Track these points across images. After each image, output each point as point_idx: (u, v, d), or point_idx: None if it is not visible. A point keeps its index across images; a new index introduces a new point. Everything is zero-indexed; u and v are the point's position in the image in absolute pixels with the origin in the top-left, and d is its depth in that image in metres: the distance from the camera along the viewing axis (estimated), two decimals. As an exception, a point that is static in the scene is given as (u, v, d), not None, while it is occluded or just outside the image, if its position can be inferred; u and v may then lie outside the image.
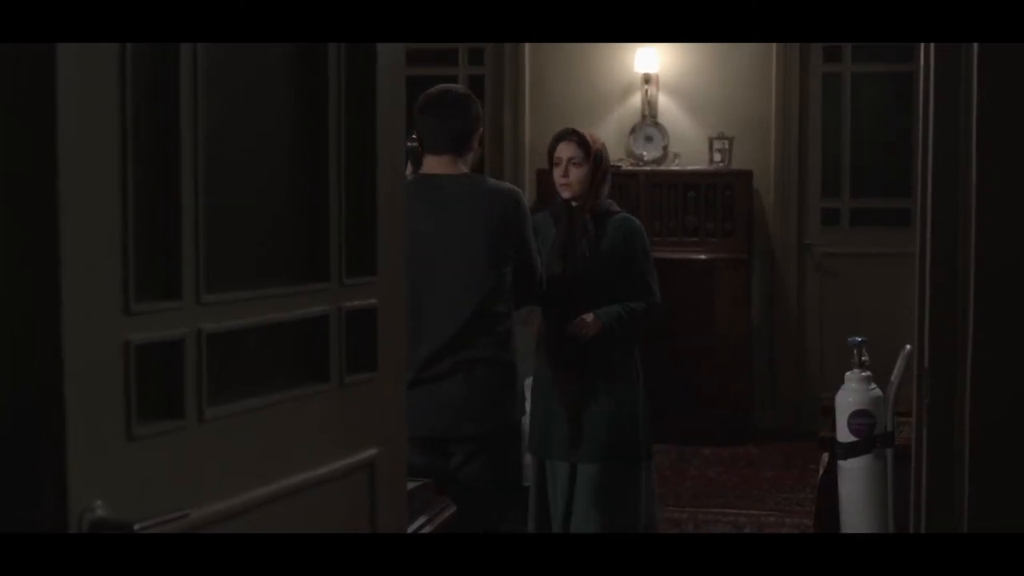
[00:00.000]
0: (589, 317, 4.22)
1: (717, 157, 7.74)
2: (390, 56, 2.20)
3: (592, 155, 4.32)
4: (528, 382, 4.28)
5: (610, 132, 7.91)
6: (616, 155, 7.82)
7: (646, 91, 7.84)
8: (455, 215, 3.73)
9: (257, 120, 2.01)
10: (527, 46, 7.92)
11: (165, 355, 1.73)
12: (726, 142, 7.75)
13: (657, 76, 7.83)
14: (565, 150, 4.33)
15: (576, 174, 4.30)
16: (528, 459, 4.45)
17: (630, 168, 7.68)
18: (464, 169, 3.81)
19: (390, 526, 2.24)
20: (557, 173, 4.33)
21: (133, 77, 1.64)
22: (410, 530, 2.78)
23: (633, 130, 7.87)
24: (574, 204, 4.33)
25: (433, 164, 3.80)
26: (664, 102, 7.88)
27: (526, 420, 4.16)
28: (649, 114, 7.83)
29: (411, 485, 2.84)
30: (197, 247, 1.77)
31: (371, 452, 2.18)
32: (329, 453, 2.08)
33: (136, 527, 1.59)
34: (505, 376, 3.78)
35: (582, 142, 4.33)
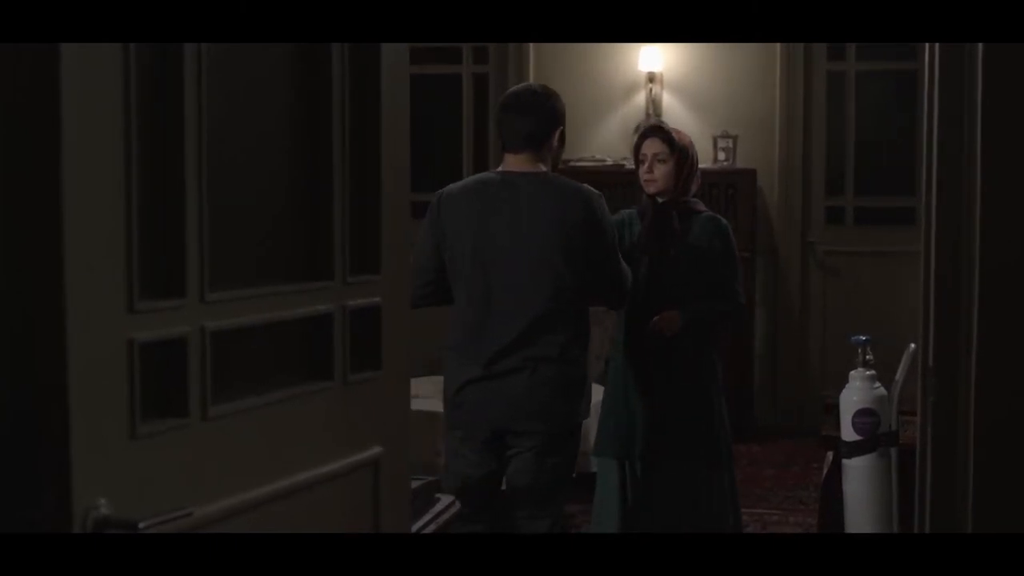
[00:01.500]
0: (673, 313, 4.17)
1: (721, 155, 7.73)
2: (394, 55, 2.20)
3: (677, 151, 4.27)
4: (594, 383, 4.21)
5: (614, 130, 7.91)
6: (620, 154, 7.82)
7: (650, 89, 7.83)
8: (526, 214, 3.73)
9: (261, 119, 2.01)
10: (531, 44, 7.91)
11: (169, 353, 1.73)
12: (730, 140, 7.74)
13: (661, 75, 7.82)
14: (650, 147, 4.29)
15: (661, 170, 4.26)
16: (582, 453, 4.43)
17: (634, 166, 7.67)
18: (541, 167, 3.80)
19: (394, 525, 2.24)
20: (642, 170, 4.30)
21: (136, 77, 1.64)
22: (413, 529, 2.78)
23: (637, 128, 7.86)
24: (660, 200, 4.29)
25: (511, 162, 3.82)
26: (668, 100, 7.87)
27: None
28: (653, 112, 7.82)
29: (415, 484, 2.84)
30: (201, 245, 1.77)
31: (375, 451, 2.18)
32: (333, 452, 2.08)
33: (140, 525, 1.60)
34: (572, 376, 3.77)
35: (667, 138, 4.28)
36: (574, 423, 3.82)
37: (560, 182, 3.82)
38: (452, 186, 3.85)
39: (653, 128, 4.38)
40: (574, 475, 4.16)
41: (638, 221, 4.31)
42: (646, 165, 4.28)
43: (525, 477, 3.77)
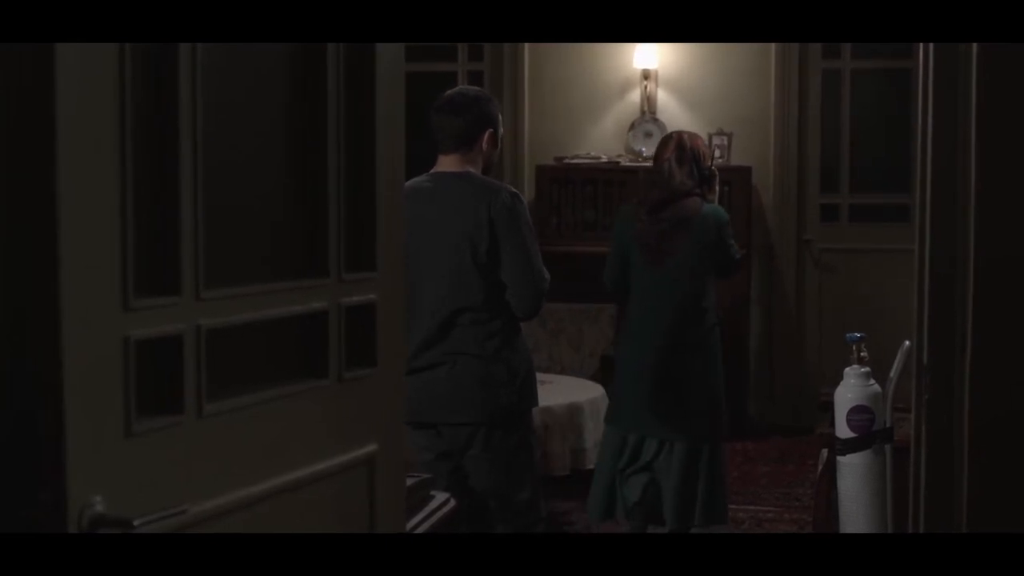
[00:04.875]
0: None
1: (716, 153, 7.73)
2: (389, 53, 2.20)
3: None
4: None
5: (609, 128, 7.91)
6: (615, 151, 7.82)
7: (645, 87, 7.83)
8: (443, 213, 3.82)
9: (257, 117, 2.01)
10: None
11: (164, 351, 1.73)
12: (725, 138, 7.75)
13: (656, 72, 7.82)
14: None
15: None
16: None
17: (629, 164, 7.69)
18: (469, 168, 3.88)
19: (389, 522, 2.24)
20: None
21: (131, 75, 1.64)
22: (409, 526, 2.78)
23: (632, 126, 7.86)
24: None
25: (441, 163, 3.93)
26: (663, 98, 7.87)
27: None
28: (648, 110, 7.82)
29: (410, 481, 2.84)
30: (196, 243, 1.77)
31: (370, 448, 2.18)
32: (328, 449, 2.08)
33: (135, 523, 1.60)
34: (494, 369, 3.81)
35: None
36: (507, 414, 3.84)
37: (479, 181, 3.88)
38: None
39: None
40: (541, 473, 4.19)
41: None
42: None
43: (480, 478, 3.83)
